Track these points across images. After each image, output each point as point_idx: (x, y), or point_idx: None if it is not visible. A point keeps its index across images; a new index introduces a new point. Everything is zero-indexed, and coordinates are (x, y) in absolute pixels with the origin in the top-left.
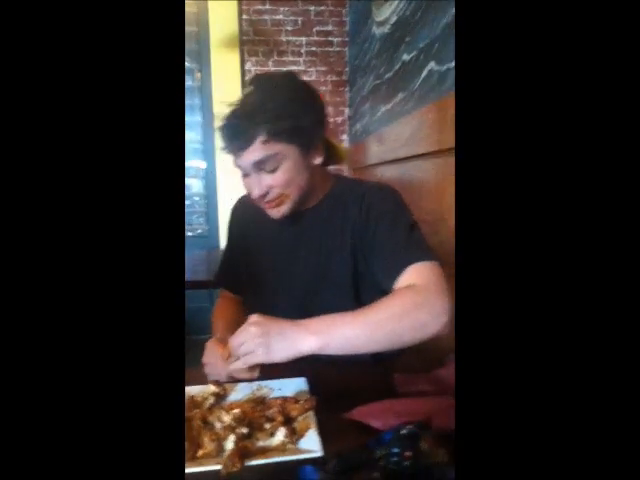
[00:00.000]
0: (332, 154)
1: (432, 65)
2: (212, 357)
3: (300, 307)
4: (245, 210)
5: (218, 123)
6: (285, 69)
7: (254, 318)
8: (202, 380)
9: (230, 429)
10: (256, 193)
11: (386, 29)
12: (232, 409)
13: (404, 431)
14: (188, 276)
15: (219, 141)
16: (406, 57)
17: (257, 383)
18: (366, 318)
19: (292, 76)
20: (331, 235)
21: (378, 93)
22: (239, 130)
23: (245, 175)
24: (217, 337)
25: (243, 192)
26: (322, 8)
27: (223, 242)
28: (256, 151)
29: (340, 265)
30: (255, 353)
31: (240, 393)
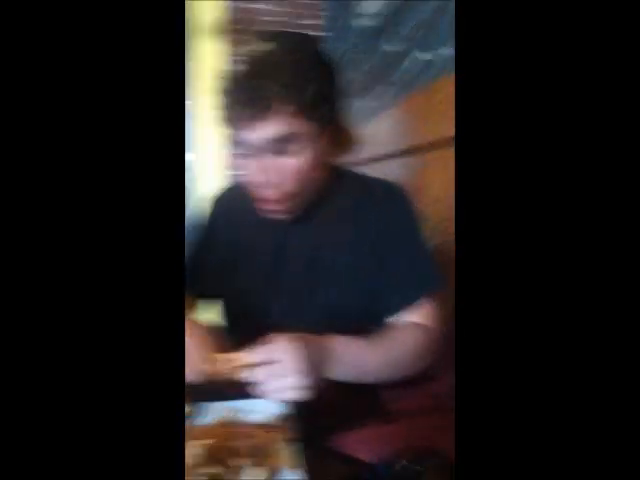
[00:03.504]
0: (343, 141)
1: (416, 54)
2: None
3: (298, 308)
4: (233, 203)
5: (223, 84)
6: None
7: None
8: None
9: (198, 463)
10: (261, 179)
11: (365, 21)
12: (200, 438)
13: (399, 466)
14: None
15: (224, 108)
16: (387, 48)
17: (226, 404)
18: (379, 350)
19: (314, 40)
20: (340, 241)
21: (355, 86)
22: (259, 93)
23: (247, 155)
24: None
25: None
26: (298, 2)
27: None
28: (278, 124)
29: (349, 270)
30: (282, 378)
31: (208, 416)
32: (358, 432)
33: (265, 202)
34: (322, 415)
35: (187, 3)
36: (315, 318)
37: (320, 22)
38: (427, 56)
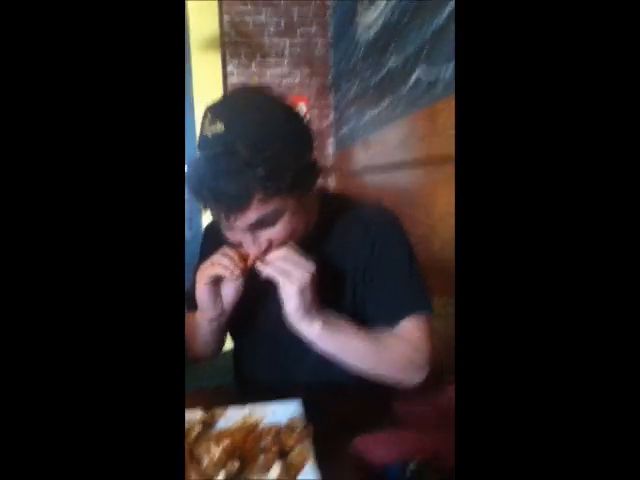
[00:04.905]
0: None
1: (421, 71)
2: (226, 257)
3: (286, 337)
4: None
5: (192, 183)
6: (266, 74)
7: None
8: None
9: (220, 464)
10: (254, 252)
11: (371, 34)
12: (222, 439)
13: (411, 468)
14: None
15: (195, 199)
16: (393, 63)
17: (248, 408)
18: (366, 341)
19: (269, 98)
20: (329, 269)
21: (364, 98)
22: (227, 193)
23: (231, 232)
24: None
25: None
26: (305, 9)
27: None
28: (252, 212)
29: (338, 298)
30: (291, 275)
31: (229, 420)
32: (371, 436)
33: None
34: (337, 419)
35: (190, 17)
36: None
37: (328, 31)
38: (431, 76)
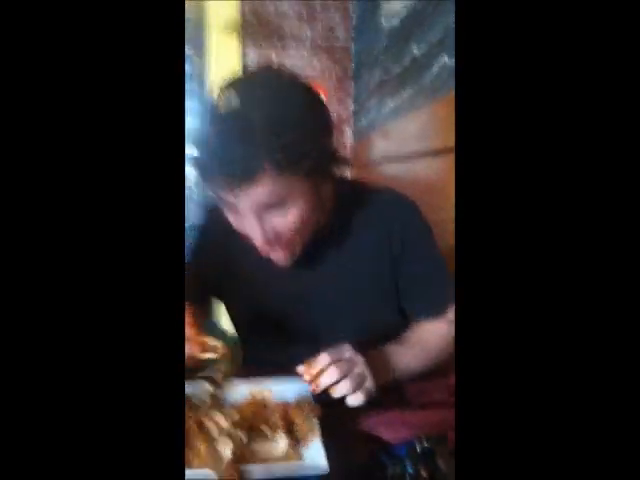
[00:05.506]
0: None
1: (445, 60)
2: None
3: (293, 321)
4: (225, 231)
5: (195, 149)
6: (286, 64)
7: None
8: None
9: (228, 435)
10: (260, 240)
11: (395, 22)
12: (230, 412)
13: (419, 447)
14: None
15: (200, 174)
16: (416, 52)
17: (256, 383)
18: (411, 352)
19: (292, 79)
20: (353, 266)
21: (385, 88)
22: (239, 160)
23: (235, 212)
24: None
25: None
26: (328, 1)
27: None
28: (264, 187)
29: (370, 290)
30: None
31: (237, 394)
32: (381, 415)
33: (268, 251)
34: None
35: (206, 3)
36: (345, 334)
37: (351, 22)
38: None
